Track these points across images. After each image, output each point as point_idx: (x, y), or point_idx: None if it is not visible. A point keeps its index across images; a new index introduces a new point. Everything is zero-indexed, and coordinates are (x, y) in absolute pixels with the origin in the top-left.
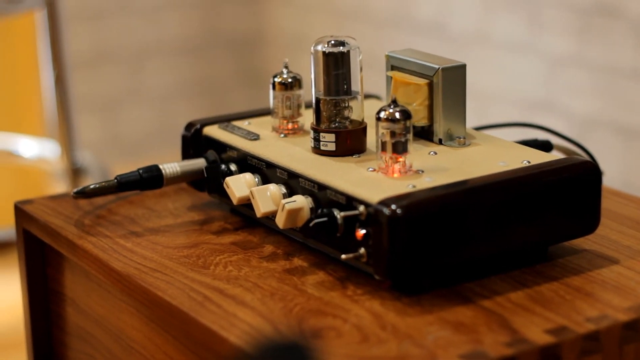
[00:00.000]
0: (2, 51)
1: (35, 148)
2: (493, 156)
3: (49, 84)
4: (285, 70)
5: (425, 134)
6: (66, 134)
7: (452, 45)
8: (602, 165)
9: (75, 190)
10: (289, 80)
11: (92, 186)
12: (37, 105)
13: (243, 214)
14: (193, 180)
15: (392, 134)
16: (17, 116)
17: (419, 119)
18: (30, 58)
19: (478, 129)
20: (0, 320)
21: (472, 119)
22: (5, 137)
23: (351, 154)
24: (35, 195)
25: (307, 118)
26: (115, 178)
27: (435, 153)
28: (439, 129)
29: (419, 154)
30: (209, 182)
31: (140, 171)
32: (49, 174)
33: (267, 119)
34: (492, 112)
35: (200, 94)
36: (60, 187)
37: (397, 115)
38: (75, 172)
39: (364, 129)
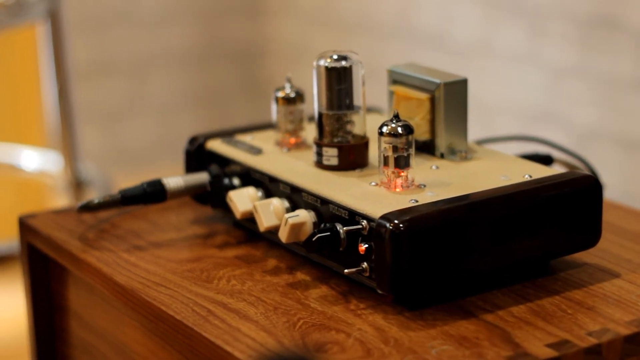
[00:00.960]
0: (5, 62)
1: (38, 160)
2: (495, 170)
3: (51, 95)
4: (287, 85)
5: (427, 148)
6: (69, 146)
7: (453, 56)
8: (603, 176)
9: (79, 204)
10: (292, 95)
11: (96, 201)
12: (40, 116)
13: (246, 228)
14: (196, 194)
15: (395, 148)
16: (20, 128)
17: (421, 133)
18: (32, 69)
19: (479, 142)
20: (3, 332)
21: (474, 129)
22: (8, 148)
23: (353, 168)
24: (37, 208)
25: (310, 132)
26: (119, 192)
27: (437, 167)
28: (441, 143)
29: (421, 168)
30: (212, 196)
31: (144, 185)
32: (51, 186)
33: (270, 133)
34: (494, 122)
35: (202, 105)
36: (63, 199)
37: (400, 130)
38: (78, 184)
39: (366, 144)
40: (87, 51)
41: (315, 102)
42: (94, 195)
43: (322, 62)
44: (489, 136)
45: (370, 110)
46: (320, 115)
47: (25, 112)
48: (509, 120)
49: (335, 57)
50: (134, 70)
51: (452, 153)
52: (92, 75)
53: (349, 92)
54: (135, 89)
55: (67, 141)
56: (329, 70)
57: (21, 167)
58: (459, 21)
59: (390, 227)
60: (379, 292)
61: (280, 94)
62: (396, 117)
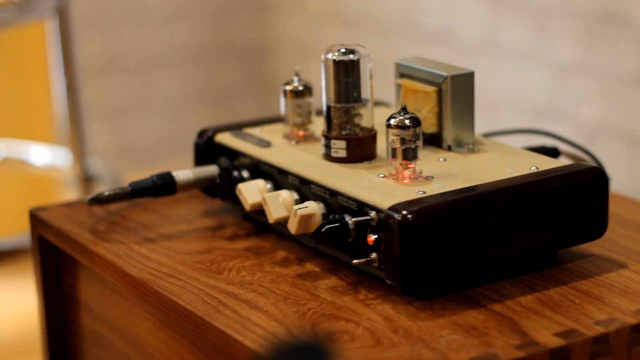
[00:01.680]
0: (13, 59)
1: (47, 156)
2: (502, 162)
3: (60, 92)
4: (296, 79)
5: (434, 140)
6: (78, 142)
7: (459, 53)
8: (609, 171)
9: (89, 197)
10: (300, 88)
11: (106, 193)
12: (48, 113)
13: (255, 220)
14: (205, 186)
15: (402, 140)
16: (29, 124)
17: (428, 125)
18: (40, 66)
19: (487, 135)
20: (15, 326)
21: (481, 125)
22: (17, 144)
23: (362, 161)
24: (47, 202)
25: (318, 125)
26: (130, 185)
27: (445, 159)
28: (448, 136)
29: (428, 160)
30: (221, 189)
31: (154, 178)
32: (60, 182)
33: (278, 126)
34: (500, 119)
35: (209, 101)
36: (72, 194)
37: (407, 122)
38: (87, 179)
39: (374, 136)
40: (95, 48)
41: (323, 95)
42: (102, 189)
43: (330, 56)
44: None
45: (378, 104)
46: (329, 108)
47: (34, 108)
48: (515, 117)
49: (343, 50)
50: (142, 66)
51: (459, 145)
52: (100, 71)
53: (356, 85)
54: (142, 85)
55: (76, 137)
56: (337, 64)
57: (31, 162)
58: (465, 18)
59: (399, 218)
60: (388, 282)
61: (289, 87)
62: (404, 109)
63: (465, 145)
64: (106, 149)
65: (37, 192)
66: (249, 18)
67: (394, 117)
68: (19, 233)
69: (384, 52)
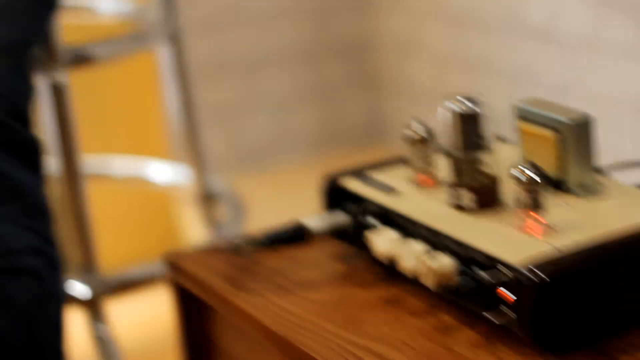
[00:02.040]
0: (126, 77)
1: (168, 173)
2: (628, 208)
3: (175, 108)
4: (416, 125)
5: (556, 185)
6: (197, 159)
7: (562, 50)
8: None
9: (227, 247)
10: (422, 134)
11: (244, 244)
12: (164, 129)
13: (386, 266)
14: (335, 232)
15: (528, 192)
16: (145, 141)
17: (550, 170)
18: (153, 81)
19: (609, 168)
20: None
21: None
22: (137, 162)
23: (488, 208)
24: (167, 221)
25: (441, 167)
26: (266, 236)
27: (570, 206)
28: (571, 181)
29: (554, 207)
30: (351, 235)
31: (288, 228)
32: (179, 199)
33: (401, 169)
34: (604, 117)
35: (315, 100)
36: (192, 213)
37: (532, 174)
38: (207, 197)
39: (499, 183)
40: (202, 52)
41: (445, 143)
42: (222, 209)
43: (450, 106)
44: (603, 131)
45: (498, 139)
46: (452, 157)
47: (150, 124)
48: (619, 114)
49: (464, 101)
50: (248, 69)
51: (582, 190)
52: (208, 77)
53: (479, 134)
54: (250, 87)
55: (195, 154)
56: (459, 114)
57: (152, 180)
58: (569, 15)
59: (535, 279)
60: (523, 337)
61: (411, 134)
62: (528, 162)
63: (588, 189)
64: (217, 152)
65: (157, 211)
66: (351, 15)
67: (519, 169)
68: (144, 257)
69: (489, 47)
